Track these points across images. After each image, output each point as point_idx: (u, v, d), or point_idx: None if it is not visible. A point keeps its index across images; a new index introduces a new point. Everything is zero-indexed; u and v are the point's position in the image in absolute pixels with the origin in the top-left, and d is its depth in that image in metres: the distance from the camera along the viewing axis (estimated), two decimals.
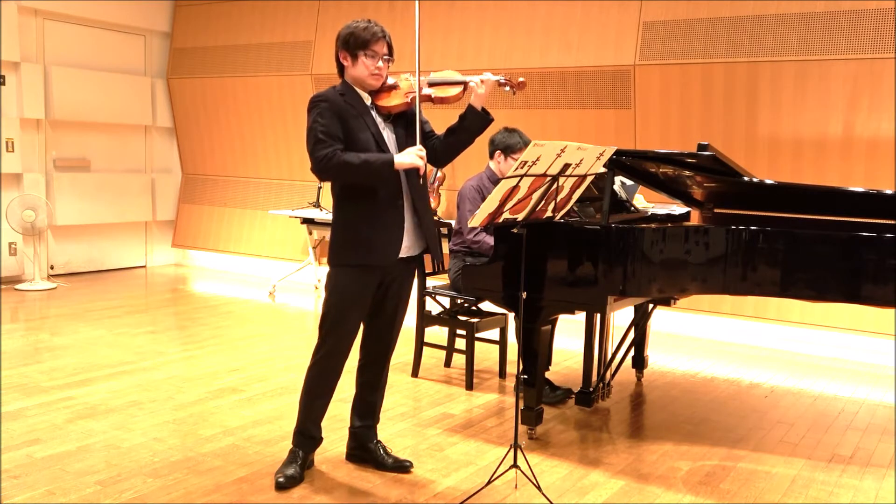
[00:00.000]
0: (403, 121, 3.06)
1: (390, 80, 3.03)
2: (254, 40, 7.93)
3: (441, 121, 3.19)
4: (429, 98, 3.00)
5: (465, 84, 2.99)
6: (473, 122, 3.01)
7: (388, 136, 3.02)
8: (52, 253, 7.79)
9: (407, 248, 3.04)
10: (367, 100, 3.00)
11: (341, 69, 3.02)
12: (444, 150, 3.09)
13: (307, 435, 3.15)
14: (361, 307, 3.04)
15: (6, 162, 7.21)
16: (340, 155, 2.84)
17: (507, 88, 3.05)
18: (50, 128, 7.62)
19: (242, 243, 8.31)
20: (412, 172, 2.98)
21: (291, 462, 3.12)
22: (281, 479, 3.04)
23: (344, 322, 3.01)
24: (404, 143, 3.01)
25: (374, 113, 3.00)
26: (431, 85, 3.02)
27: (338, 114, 2.90)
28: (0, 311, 6.11)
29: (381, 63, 2.94)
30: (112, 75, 8.03)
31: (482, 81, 2.95)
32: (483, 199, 4.18)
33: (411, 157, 2.87)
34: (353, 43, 2.92)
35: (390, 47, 2.98)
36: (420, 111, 2.97)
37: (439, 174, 6.62)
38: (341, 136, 2.89)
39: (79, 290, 7.17)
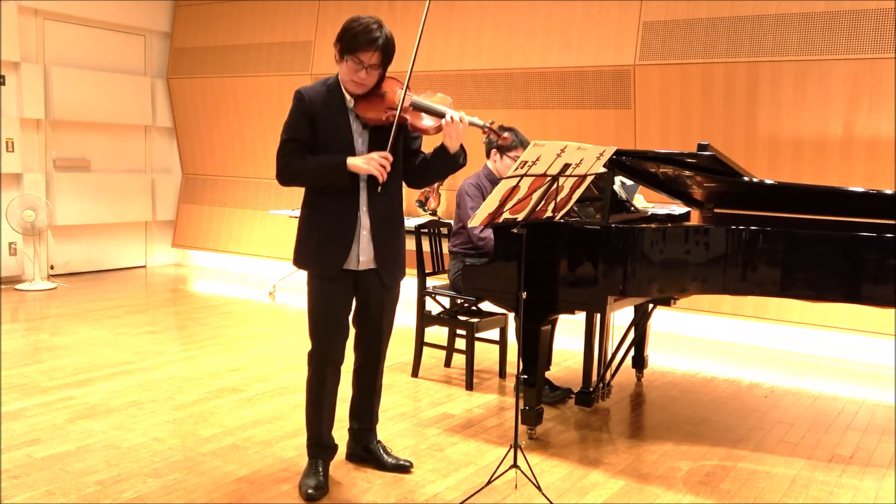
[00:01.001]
0: (382, 131, 2.88)
1: (383, 87, 2.88)
2: (254, 40, 7.93)
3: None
4: (405, 121, 2.84)
5: (444, 116, 2.82)
6: (443, 161, 2.91)
7: (362, 141, 2.89)
8: (52, 253, 7.79)
9: (366, 261, 2.95)
10: (350, 102, 2.88)
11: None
12: (419, 173, 3.03)
13: (324, 445, 3.10)
14: (337, 309, 2.98)
15: (6, 162, 7.22)
16: (294, 163, 2.80)
17: (485, 139, 2.94)
18: (50, 128, 7.62)
19: (242, 243, 8.32)
20: (372, 183, 2.84)
21: (314, 473, 3.04)
22: (311, 491, 2.96)
23: (326, 325, 2.98)
24: (378, 148, 2.86)
25: (351, 117, 2.89)
26: (414, 108, 2.85)
27: (310, 113, 2.83)
28: (0, 311, 6.11)
29: (364, 73, 2.78)
30: (112, 75, 8.03)
31: (451, 120, 2.78)
32: (483, 196, 4.19)
33: (368, 163, 2.75)
34: (345, 42, 2.77)
35: (385, 56, 2.79)
36: (391, 136, 2.81)
37: None
38: (307, 138, 2.82)
39: (79, 290, 7.16)
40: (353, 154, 2.86)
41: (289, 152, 2.82)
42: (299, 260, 3.04)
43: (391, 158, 2.79)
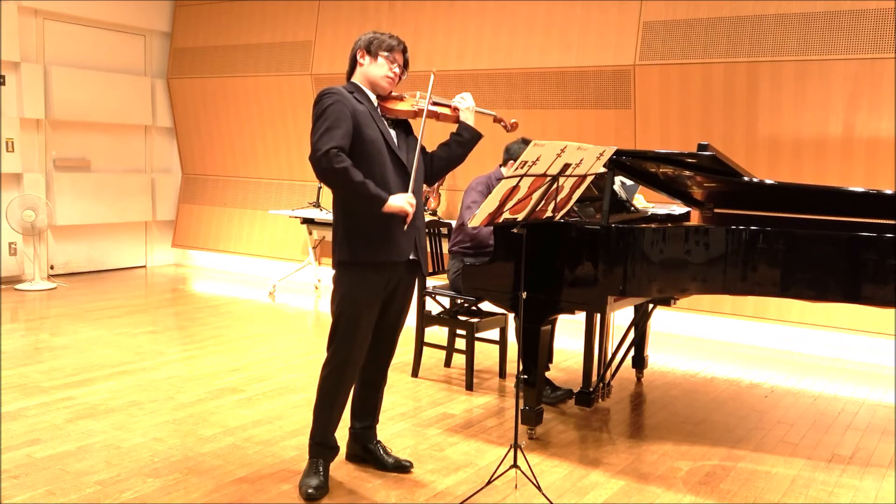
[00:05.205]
0: (401, 130, 3.09)
1: (396, 93, 3.10)
2: (254, 40, 7.93)
3: (431, 137, 3.19)
4: (435, 115, 3.09)
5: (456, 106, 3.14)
6: (464, 136, 3.08)
7: (394, 134, 3.04)
8: (52, 253, 7.79)
9: (411, 251, 3.04)
10: (375, 100, 3.02)
11: (352, 70, 3.04)
12: (436, 165, 3.14)
13: (328, 445, 3.10)
14: (373, 309, 3.00)
15: (6, 162, 7.21)
16: (350, 172, 2.80)
17: (501, 124, 3.18)
18: (50, 128, 7.62)
19: (242, 243, 8.31)
20: (399, 222, 2.94)
21: (315, 473, 3.04)
22: (311, 491, 2.96)
23: (357, 326, 2.96)
24: (404, 146, 3.04)
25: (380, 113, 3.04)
26: (436, 104, 3.12)
27: (348, 108, 2.90)
28: (0, 311, 6.11)
29: (398, 68, 3.02)
30: (112, 75, 8.03)
31: (462, 98, 3.10)
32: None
33: (402, 202, 2.87)
34: (377, 45, 2.99)
35: (406, 62, 3.07)
36: (422, 126, 3.00)
37: None
38: (350, 131, 2.86)
39: (79, 290, 7.17)
40: (394, 145, 2.98)
41: (336, 143, 2.82)
42: (359, 251, 2.94)
43: (415, 200, 2.93)
